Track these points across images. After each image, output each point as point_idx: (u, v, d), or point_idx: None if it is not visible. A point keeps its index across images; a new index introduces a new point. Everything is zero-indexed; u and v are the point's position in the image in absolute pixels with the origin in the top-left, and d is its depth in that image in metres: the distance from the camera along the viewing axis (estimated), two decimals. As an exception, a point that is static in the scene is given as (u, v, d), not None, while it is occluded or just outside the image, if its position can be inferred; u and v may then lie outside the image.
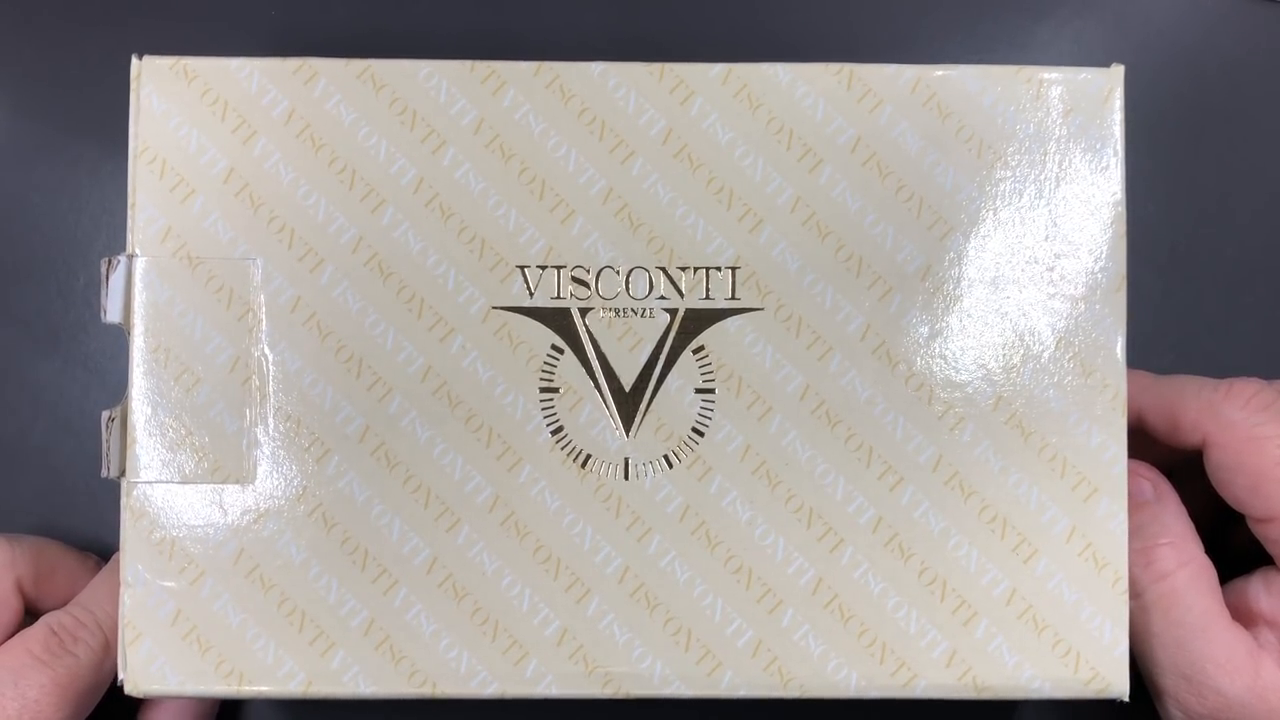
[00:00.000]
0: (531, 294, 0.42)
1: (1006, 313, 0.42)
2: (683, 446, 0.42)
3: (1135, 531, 0.42)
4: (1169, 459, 0.45)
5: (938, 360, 0.42)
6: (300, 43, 0.52)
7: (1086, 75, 0.42)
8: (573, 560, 0.42)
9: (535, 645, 0.42)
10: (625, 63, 0.42)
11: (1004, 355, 0.42)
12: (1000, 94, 0.42)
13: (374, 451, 0.42)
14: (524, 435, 0.42)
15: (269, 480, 0.42)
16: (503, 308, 0.42)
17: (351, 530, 0.42)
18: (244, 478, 0.42)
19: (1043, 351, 0.42)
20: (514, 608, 0.42)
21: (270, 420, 0.42)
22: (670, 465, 0.42)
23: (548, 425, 0.42)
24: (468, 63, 0.42)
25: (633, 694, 0.42)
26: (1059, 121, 0.42)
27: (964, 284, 0.42)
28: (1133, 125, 0.42)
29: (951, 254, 0.42)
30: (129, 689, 0.41)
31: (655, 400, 0.42)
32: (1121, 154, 0.42)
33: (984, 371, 0.42)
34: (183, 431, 0.42)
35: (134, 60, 0.42)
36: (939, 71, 0.42)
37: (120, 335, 0.44)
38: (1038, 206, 0.42)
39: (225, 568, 0.42)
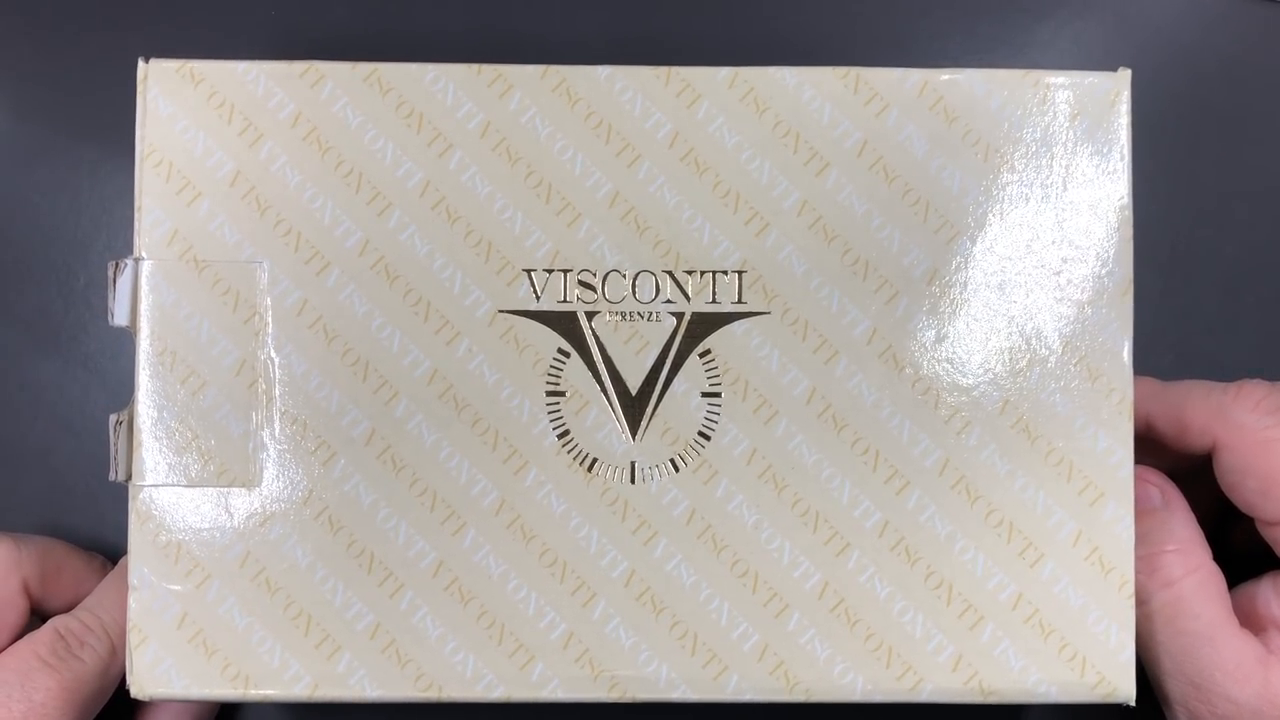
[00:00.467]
0: (538, 297, 0.42)
1: (1013, 316, 0.42)
2: (689, 450, 0.42)
3: (1141, 538, 0.42)
4: (1176, 464, 0.45)
5: (944, 364, 0.42)
6: (302, 44, 0.52)
7: (1093, 79, 0.42)
8: (579, 564, 0.42)
9: (541, 649, 0.42)
10: (631, 66, 0.42)
11: (1010, 359, 0.42)
12: (1007, 98, 0.42)
13: (380, 455, 0.42)
14: (530, 438, 0.42)
15: (275, 483, 0.42)
16: (509, 311, 0.42)
17: (357, 533, 0.42)
18: (250, 481, 0.42)
19: (1049, 355, 0.42)
20: (520, 611, 0.42)
21: (276, 423, 0.42)
22: (676, 469, 0.42)
23: (554, 429, 0.42)
24: (474, 66, 0.42)
25: (638, 698, 0.42)
26: (1065, 125, 0.42)
27: (970, 288, 0.42)
28: (1133, 125, 0.42)
29: (958, 258, 0.42)
30: (135, 692, 0.41)
31: (661, 404, 0.42)
32: (1128, 158, 0.42)
33: (990, 375, 0.42)
34: (189, 435, 0.42)
35: (140, 63, 0.42)
36: (945, 75, 0.42)
37: (121, 335, 0.44)
38: (1044, 210, 0.42)
39: (231, 571, 0.42)
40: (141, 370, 0.42)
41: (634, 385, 0.42)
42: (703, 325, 0.42)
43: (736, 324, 0.42)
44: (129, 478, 0.41)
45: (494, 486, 0.42)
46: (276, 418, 0.42)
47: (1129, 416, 0.42)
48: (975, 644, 0.41)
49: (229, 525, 0.42)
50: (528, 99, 0.42)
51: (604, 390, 0.42)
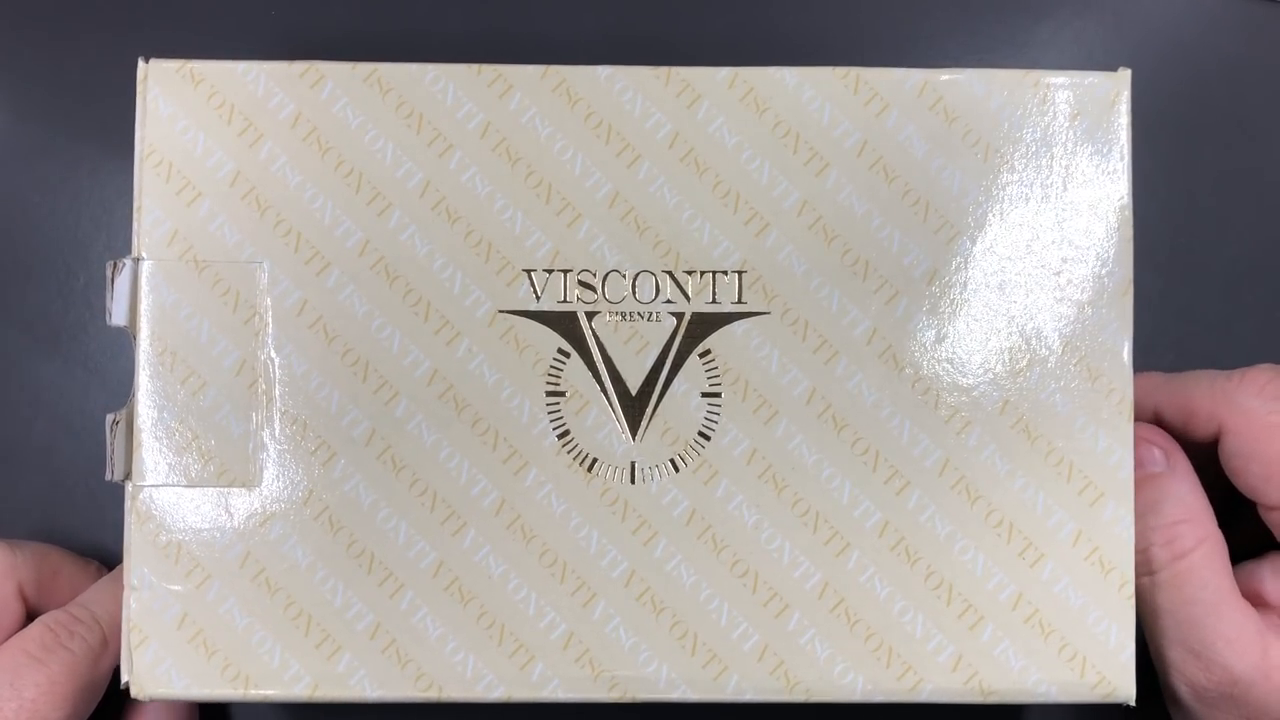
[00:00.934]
0: (538, 297, 0.42)
1: (1013, 316, 0.42)
2: (689, 450, 0.42)
3: (1150, 507, 0.42)
4: (1189, 457, 0.45)
5: (944, 364, 0.42)
6: (302, 44, 0.52)
7: (1093, 79, 0.42)
8: (579, 564, 0.42)
9: (541, 649, 0.42)
10: (632, 66, 0.42)
11: (1010, 359, 0.42)
12: (1007, 98, 0.42)
13: (380, 455, 0.42)
14: (530, 439, 0.42)
15: (275, 484, 0.42)
16: (509, 311, 0.42)
17: (358, 533, 0.42)
18: (250, 481, 0.42)
19: (1049, 355, 0.42)
20: (520, 611, 0.42)
21: (276, 424, 0.42)
22: (676, 469, 0.42)
23: (554, 429, 0.42)
24: (474, 66, 0.42)
25: (639, 698, 0.42)
26: (1065, 125, 0.42)
27: (970, 288, 0.42)
28: (1133, 125, 0.42)
29: (958, 258, 0.42)
30: (135, 692, 0.41)
31: (662, 404, 0.42)
32: (1128, 158, 0.42)
33: (990, 375, 0.42)
34: (188, 435, 0.42)
35: (140, 63, 0.42)
36: (945, 75, 0.42)
37: (121, 335, 0.44)
38: (1044, 210, 0.42)
39: (231, 571, 0.42)
40: (141, 370, 0.42)
41: (634, 385, 0.42)
42: (703, 325, 0.42)
43: (736, 324, 0.42)
44: (126, 477, 0.41)
45: (494, 487, 0.42)
46: (276, 418, 0.42)
47: (1129, 416, 0.42)
48: (975, 644, 0.41)
49: (229, 525, 0.42)
50: (528, 99, 0.42)
51: (604, 390, 0.42)
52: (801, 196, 0.42)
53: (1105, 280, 0.42)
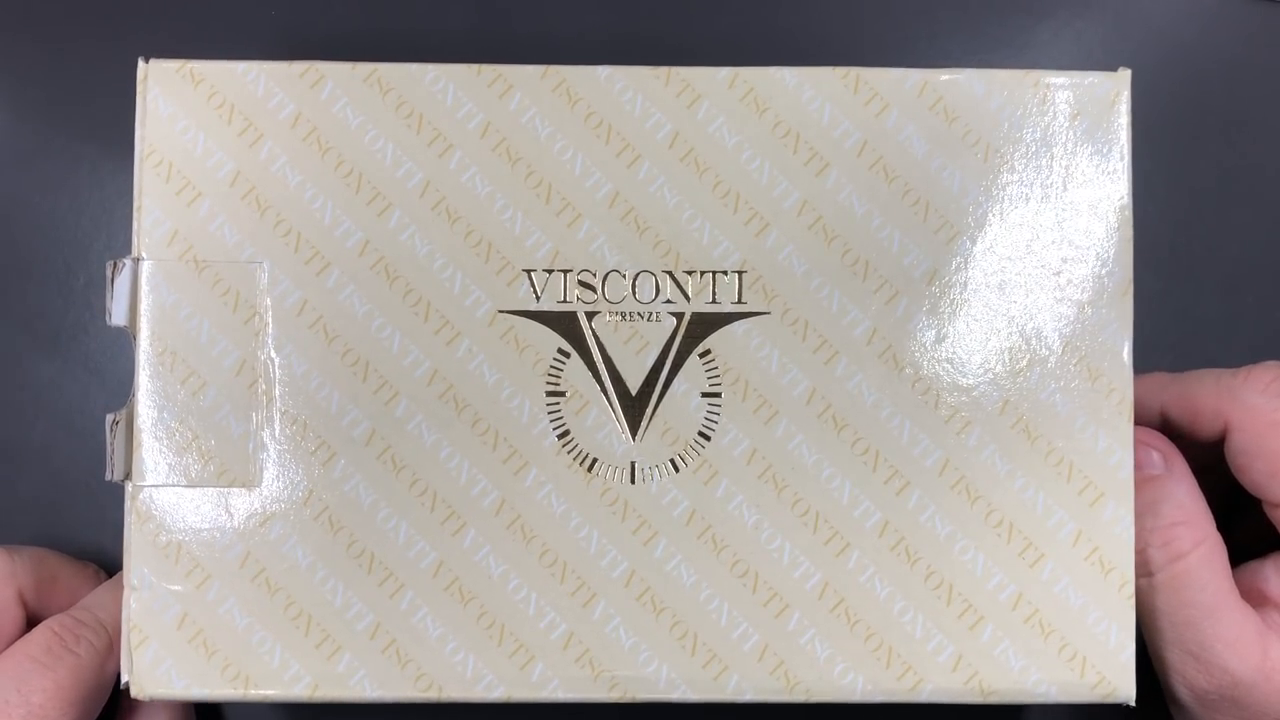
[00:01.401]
0: (538, 298, 0.42)
1: (1013, 317, 0.42)
2: (689, 450, 0.42)
3: (1148, 509, 0.42)
4: (1189, 457, 0.45)
5: (944, 364, 0.42)
6: (302, 44, 0.52)
7: (1093, 79, 0.42)
8: (579, 564, 0.42)
9: (541, 649, 0.42)
10: (632, 66, 0.42)
11: (1010, 359, 0.42)
12: (1007, 98, 0.42)
13: (380, 455, 0.42)
14: (530, 439, 0.42)
15: (275, 484, 0.42)
16: (509, 311, 0.42)
17: (358, 534, 0.42)
18: (250, 481, 0.42)
19: (1049, 355, 0.42)
20: (520, 611, 0.42)
21: (276, 424, 0.42)
22: (676, 469, 0.42)
23: (554, 429, 0.42)
24: (474, 66, 0.42)
25: (639, 698, 0.42)
26: (1065, 125, 0.42)
27: (970, 288, 0.42)
28: (1133, 125, 0.42)
29: (958, 258, 0.42)
30: (135, 692, 0.41)
31: (662, 404, 0.42)
32: (1128, 158, 0.42)
33: (990, 375, 0.42)
34: (189, 435, 0.42)
35: (140, 63, 0.42)
36: (945, 75, 0.42)
37: (121, 335, 0.44)
38: (1044, 210, 0.42)
39: (231, 571, 0.42)
40: (141, 370, 0.42)
41: (634, 385, 0.42)
42: (703, 325, 0.42)
43: (736, 324, 0.42)
44: (126, 477, 0.41)
45: (494, 487, 0.42)
46: (276, 418, 0.42)
47: (1129, 416, 0.42)
48: (975, 644, 0.41)
49: (229, 525, 0.42)
50: (528, 99, 0.42)
51: (604, 390, 0.42)
52: (801, 196, 0.42)
53: (1105, 280, 0.42)
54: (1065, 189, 0.42)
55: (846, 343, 0.42)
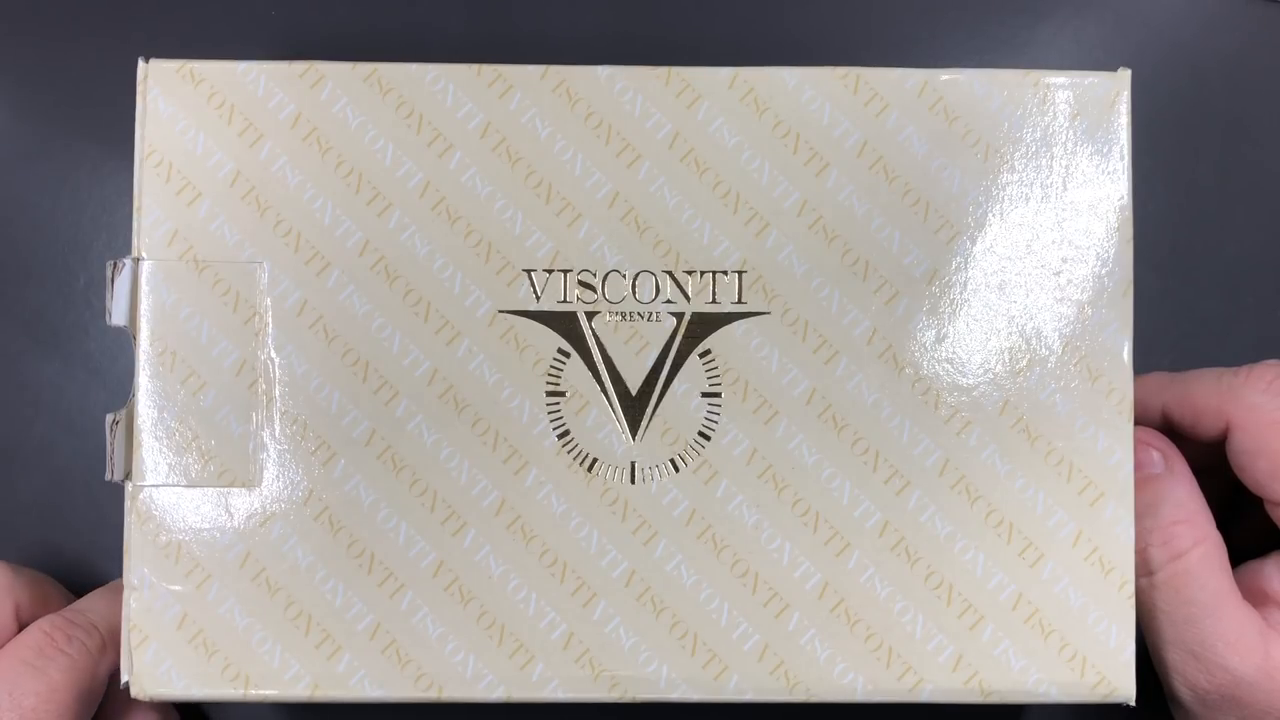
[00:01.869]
0: (538, 298, 0.42)
1: (1013, 316, 0.42)
2: (689, 450, 0.42)
3: (1148, 509, 0.42)
4: (1191, 458, 0.45)
5: (944, 364, 0.42)
6: (302, 44, 0.52)
7: (1093, 79, 0.42)
8: (579, 564, 0.42)
9: (541, 649, 0.42)
10: (632, 66, 0.42)
11: (1010, 359, 0.42)
12: (1007, 98, 0.42)
13: (380, 455, 0.42)
14: (530, 439, 0.42)
15: (275, 484, 0.42)
16: (509, 311, 0.42)
17: (358, 534, 0.42)
18: (250, 481, 0.42)
19: (1049, 356, 0.42)
20: (520, 611, 0.42)
21: (276, 424, 0.42)
22: (677, 469, 0.42)
23: (554, 429, 0.42)
24: (474, 66, 0.42)
25: (639, 698, 0.42)
26: (1065, 125, 0.42)
27: (970, 288, 0.42)
28: (1133, 125, 0.42)
29: (958, 258, 0.42)
30: (135, 692, 0.41)
31: (662, 404, 0.42)
32: (1128, 158, 0.42)
33: (990, 375, 0.42)
34: (189, 435, 0.42)
35: (140, 63, 0.42)
36: (945, 75, 0.42)
37: (121, 335, 0.44)
38: (1044, 210, 0.42)
39: (231, 571, 0.42)
40: (141, 371, 0.42)
41: (634, 385, 0.42)
42: (703, 325, 0.42)
43: (736, 324, 0.42)
44: (126, 477, 0.41)
45: (494, 487, 0.42)
46: (276, 418, 0.42)
47: (1129, 416, 0.42)
48: (975, 644, 0.41)
49: (229, 525, 0.42)
50: (528, 99, 0.42)
51: (604, 390, 0.42)
52: (801, 196, 0.42)
53: (1105, 280, 0.42)
54: (1065, 189, 0.42)
55: (846, 343, 0.42)
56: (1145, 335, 0.43)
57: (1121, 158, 0.42)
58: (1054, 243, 0.42)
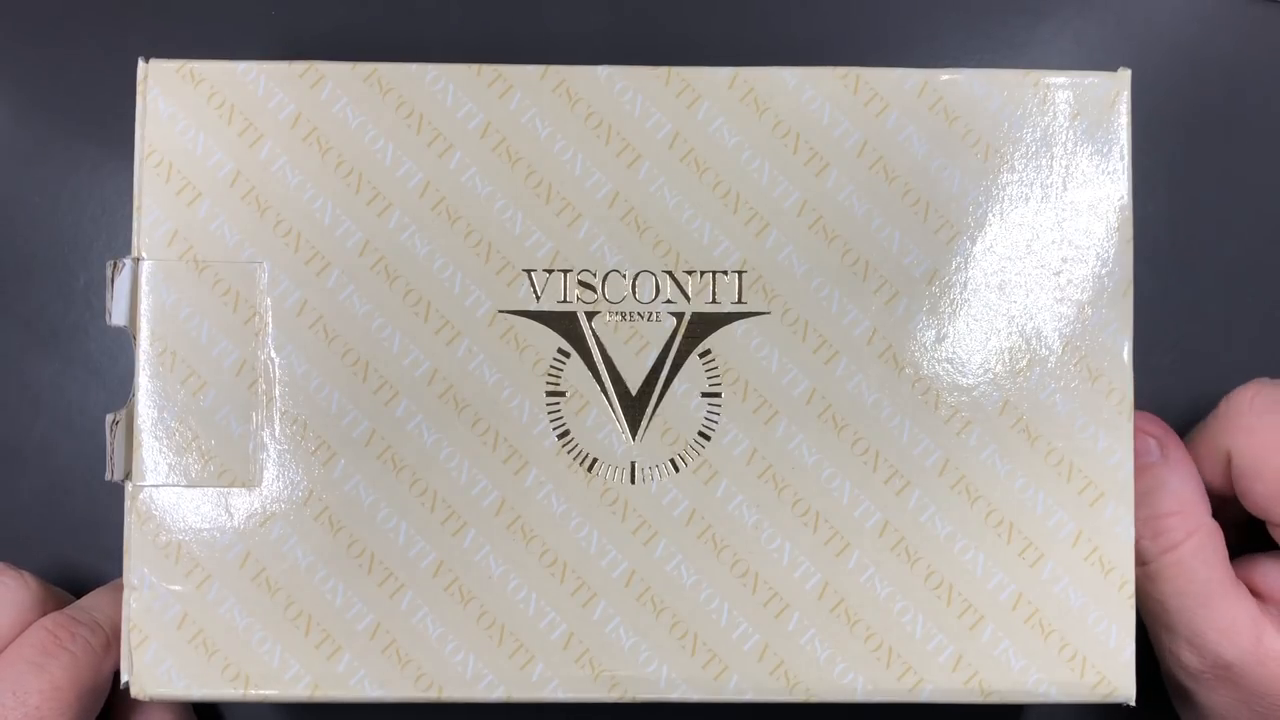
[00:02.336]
0: (538, 298, 0.42)
1: (1013, 317, 0.42)
2: (689, 450, 0.42)
3: (1143, 498, 0.42)
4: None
5: (944, 364, 0.42)
6: (302, 44, 0.52)
7: (1093, 79, 0.42)
8: (579, 564, 0.42)
9: (541, 649, 0.42)
10: (632, 66, 0.42)
11: (1010, 359, 0.42)
12: (1007, 98, 0.42)
13: (380, 455, 0.42)
14: (530, 439, 0.42)
15: (275, 484, 0.42)
16: (509, 311, 0.42)
17: (358, 534, 0.42)
18: (250, 481, 0.42)
19: (1049, 356, 0.42)
20: (520, 611, 0.42)
21: (276, 424, 0.42)
22: (677, 469, 0.42)
23: (554, 429, 0.42)
24: (474, 66, 0.42)
25: (639, 698, 0.42)
26: (1065, 125, 0.42)
27: (970, 288, 0.42)
28: (1133, 125, 0.42)
29: (958, 258, 0.42)
30: (135, 692, 0.41)
31: (662, 404, 0.42)
32: (1128, 158, 0.42)
33: (990, 375, 0.42)
34: (189, 435, 0.42)
35: (140, 63, 0.42)
36: (945, 76, 0.42)
37: (121, 335, 0.44)
38: (1044, 210, 0.42)
39: (231, 571, 0.42)
40: (141, 371, 0.42)
41: (634, 385, 0.42)
42: (703, 325, 0.42)
43: (736, 324, 0.42)
44: (126, 477, 0.41)
45: (494, 487, 0.42)
46: (276, 418, 0.42)
47: (1129, 416, 0.42)
48: (975, 644, 0.41)
49: (229, 525, 0.42)
50: (528, 99, 0.42)
51: (604, 390, 0.42)
52: (801, 196, 0.42)
53: (1105, 280, 0.42)
54: (1065, 189, 0.42)
55: (846, 343, 0.42)
56: (1145, 335, 0.43)
57: (1121, 158, 0.42)
58: (1054, 243, 0.42)
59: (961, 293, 0.42)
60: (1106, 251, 0.42)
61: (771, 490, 0.42)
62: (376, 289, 0.42)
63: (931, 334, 0.42)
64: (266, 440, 0.42)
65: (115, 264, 0.41)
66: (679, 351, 0.42)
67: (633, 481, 0.42)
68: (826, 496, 0.42)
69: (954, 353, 0.42)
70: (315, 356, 0.42)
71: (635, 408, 0.42)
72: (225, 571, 0.41)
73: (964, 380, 0.42)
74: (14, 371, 0.52)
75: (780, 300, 0.42)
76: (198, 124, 0.42)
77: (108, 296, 0.41)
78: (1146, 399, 0.43)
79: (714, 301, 0.42)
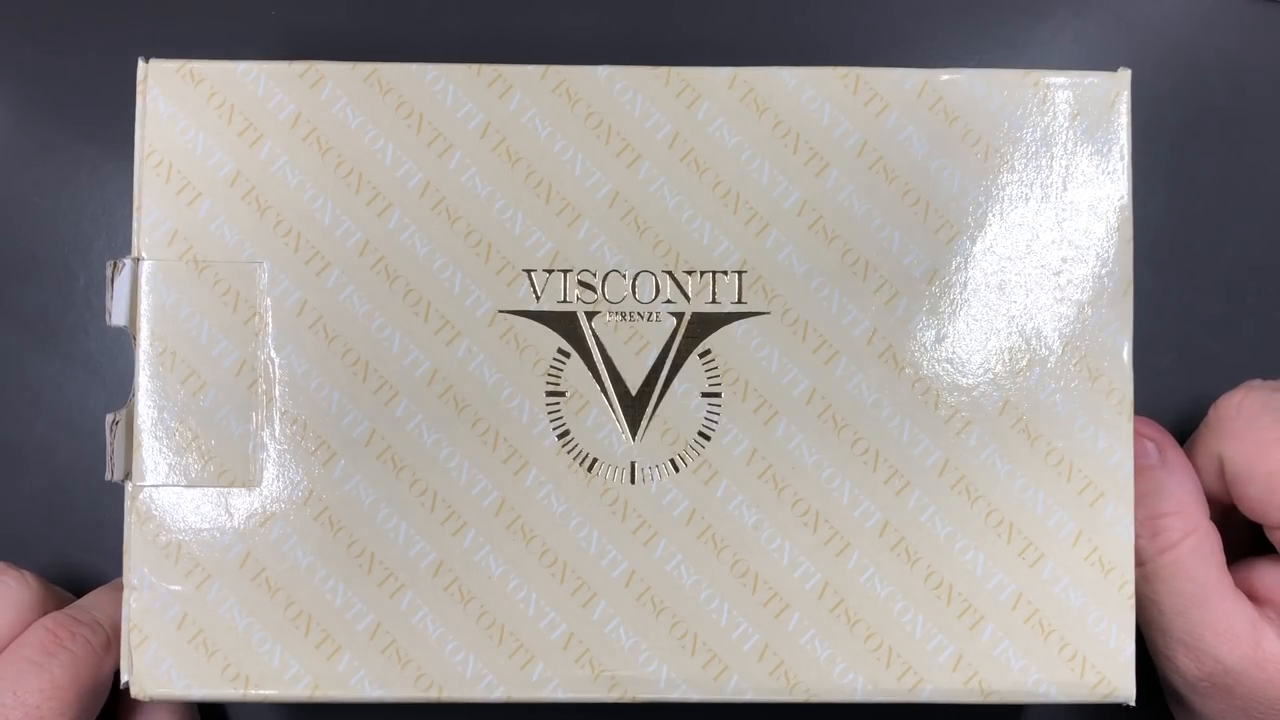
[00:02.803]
0: (538, 298, 0.42)
1: (1013, 316, 0.42)
2: (689, 450, 0.42)
3: (1140, 499, 0.42)
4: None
5: (944, 364, 0.42)
6: (302, 44, 0.52)
7: (1093, 79, 0.42)
8: (579, 564, 0.42)
9: (541, 649, 0.42)
10: (632, 66, 0.42)
11: (1010, 359, 0.42)
12: (1007, 98, 0.42)
13: (380, 455, 0.42)
14: (530, 439, 0.42)
15: (275, 484, 0.42)
16: (509, 311, 0.42)
17: (358, 534, 0.42)
18: (250, 481, 0.42)
19: (1049, 355, 0.42)
20: (520, 611, 0.42)
21: (276, 424, 0.42)
22: (677, 469, 0.42)
23: (554, 429, 0.42)
24: (474, 66, 0.42)
25: (639, 698, 0.42)
26: (1065, 125, 0.42)
27: (970, 288, 0.42)
28: (1133, 125, 0.42)
29: (958, 258, 0.42)
30: (135, 692, 0.41)
31: (661, 404, 0.42)
32: (1128, 158, 0.42)
33: (990, 375, 0.42)
34: (189, 435, 0.42)
35: (140, 63, 0.42)
36: (945, 76, 0.42)
37: (121, 335, 0.44)
38: (1044, 210, 0.42)
39: (231, 571, 0.42)
40: (141, 371, 0.42)
41: (634, 385, 0.42)
42: (703, 325, 0.42)
43: (737, 324, 0.42)
44: (126, 477, 0.41)
45: (494, 487, 0.42)
46: (276, 418, 0.42)
47: (1129, 416, 0.42)
48: (975, 644, 0.41)
49: (229, 525, 0.42)
50: (528, 99, 0.42)
51: (604, 390, 0.42)
52: (801, 196, 0.42)
53: (1105, 280, 0.42)
54: (1065, 189, 0.42)
55: (846, 343, 0.42)
56: (1145, 335, 0.43)
57: (1121, 158, 0.42)
58: (1054, 243, 0.42)
59: (961, 293, 0.42)
60: (1106, 251, 0.42)
61: (771, 490, 0.42)
62: (376, 289, 0.42)
63: (931, 334, 0.42)
64: (266, 440, 0.42)
65: (115, 264, 0.41)
66: (679, 351, 0.42)
67: (633, 481, 0.42)
68: (826, 496, 0.42)
69: (954, 353, 0.42)
70: (315, 356, 0.42)
71: (635, 408, 0.42)
72: (225, 571, 0.41)
73: (964, 380, 0.42)
74: (14, 371, 0.52)
75: (780, 300, 0.42)
76: (198, 124, 0.42)
77: (108, 296, 0.41)
78: (1146, 399, 0.43)
79: (714, 301, 0.42)
